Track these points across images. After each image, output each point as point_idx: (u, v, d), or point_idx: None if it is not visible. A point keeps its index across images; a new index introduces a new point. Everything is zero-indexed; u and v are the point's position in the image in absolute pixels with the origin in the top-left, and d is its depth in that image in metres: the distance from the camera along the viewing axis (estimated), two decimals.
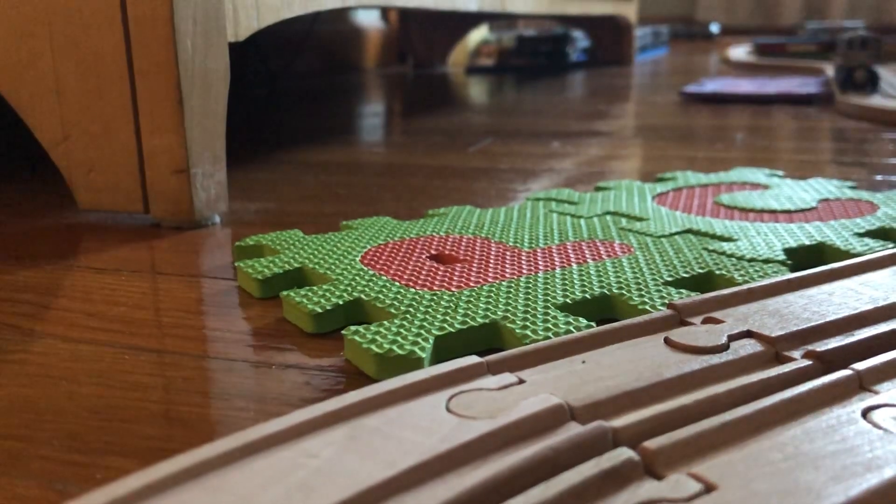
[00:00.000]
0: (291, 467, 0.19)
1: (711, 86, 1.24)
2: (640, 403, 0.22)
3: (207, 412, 0.27)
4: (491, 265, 0.38)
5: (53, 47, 0.49)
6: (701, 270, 0.36)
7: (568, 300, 0.33)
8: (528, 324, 0.31)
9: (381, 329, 0.30)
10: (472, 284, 0.35)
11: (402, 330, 0.30)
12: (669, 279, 0.36)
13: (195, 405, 0.27)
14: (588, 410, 0.21)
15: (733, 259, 0.38)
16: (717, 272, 0.36)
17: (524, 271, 0.37)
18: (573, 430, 0.20)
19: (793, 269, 0.37)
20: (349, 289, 0.35)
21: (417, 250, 0.41)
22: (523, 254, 0.40)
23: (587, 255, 0.40)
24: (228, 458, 0.19)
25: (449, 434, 0.20)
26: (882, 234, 0.43)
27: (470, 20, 1.88)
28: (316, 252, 0.41)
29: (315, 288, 0.35)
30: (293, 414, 0.21)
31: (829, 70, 1.35)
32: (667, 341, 0.26)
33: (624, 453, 0.19)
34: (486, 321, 0.31)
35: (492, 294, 0.34)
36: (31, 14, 0.49)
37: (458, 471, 0.19)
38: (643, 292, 0.34)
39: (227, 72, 0.51)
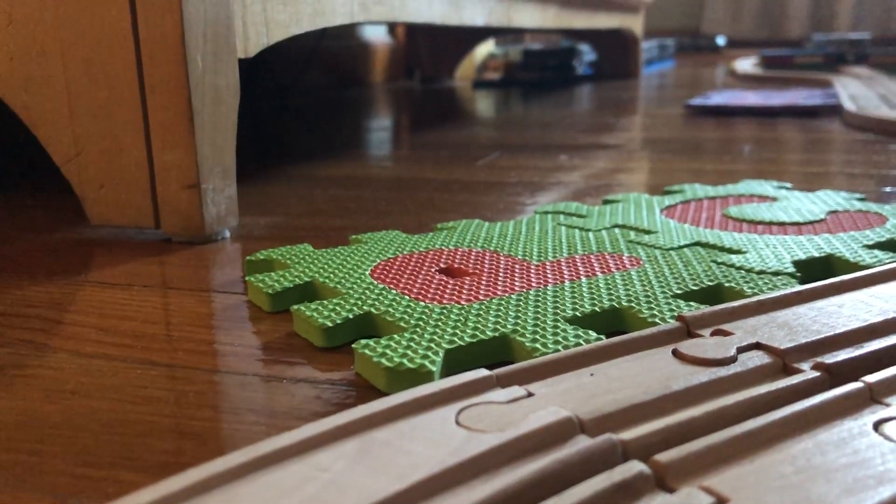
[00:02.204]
0: (302, 481, 0.19)
1: (717, 98, 1.25)
2: (648, 416, 0.22)
3: (219, 426, 0.27)
4: (500, 278, 0.38)
5: (65, 64, 0.49)
6: (710, 283, 0.36)
7: (577, 313, 0.33)
8: (537, 337, 0.31)
9: (392, 343, 0.30)
10: (481, 298, 0.36)
11: (412, 343, 0.30)
12: (679, 292, 0.36)
13: (207, 419, 0.27)
14: (597, 423, 0.21)
15: (742, 271, 0.38)
16: (727, 285, 0.36)
17: (533, 285, 0.37)
18: (582, 443, 0.20)
19: (802, 282, 0.36)
20: (359, 303, 0.35)
21: (427, 264, 0.41)
22: (532, 267, 0.40)
23: (596, 269, 0.40)
24: (239, 471, 0.19)
25: (459, 447, 0.20)
26: (891, 245, 0.43)
27: (476, 35, 1.89)
28: (326, 266, 0.41)
29: (325, 302, 0.35)
30: (303, 427, 0.21)
31: (836, 82, 1.35)
32: (675, 353, 0.26)
33: (635, 466, 0.19)
34: (496, 334, 0.31)
35: (501, 307, 0.34)
36: (43, 31, 0.49)
37: (468, 484, 0.19)
38: (653, 305, 0.34)
39: (237, 87, 0.51)
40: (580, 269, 0.40)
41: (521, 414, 0.22)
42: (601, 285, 0.37)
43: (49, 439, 0.26)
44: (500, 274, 0.39)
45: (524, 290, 0.37)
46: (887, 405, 0.22)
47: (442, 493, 0.19)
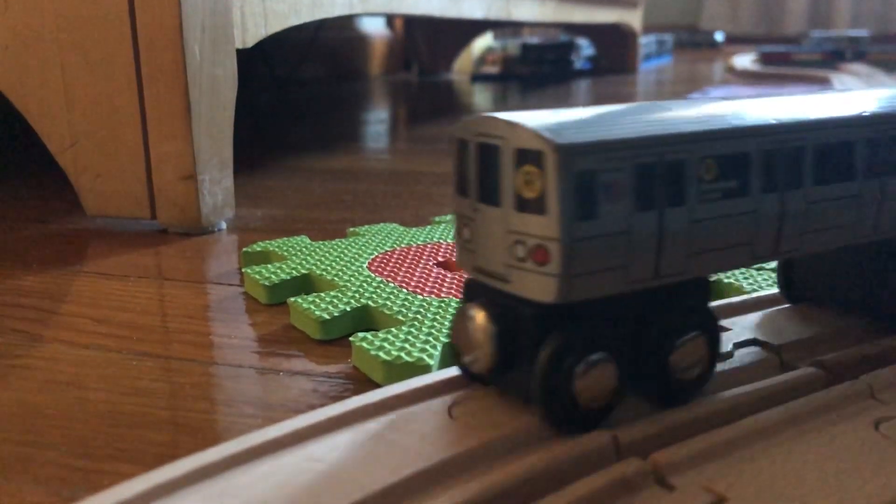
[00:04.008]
0: (296, 472, 0.19)
1: (716, 94, 1.24)
2: (642, 412, 0.22)
3: (215, 419, 0.27)
4: None
5: (62, 53, 0.49)
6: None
7: None
8: None
9: (390, 336, 0.30)
10: None
11: (410, 337, 0.30)
12: None
13: (203, 411, 0.27)
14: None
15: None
16: (726, 280, 0.36)
17: None
18: (577, 437, 0.20)
19: None
20: (357, 295, 0.35)
21: (424, 257, 0.41)
22: None
23: None
24: (233, 461, 0.19)
25: (452, 440, 0.20)
26: None
27: (475, 28, 1.88)
28: (323, 258, 0.41)
29: (322, 294, 0.35)
30: (297, 418, 0.21)
31: (835, 80, 1.35)
32: None
33: (635, 463, 0.19)
34: None
35: None
36: (39, 20, 0.49)
37: (462, 477, 0.19)
38: None
39: (235, 78, 0.51)
40: None
41: (515, 407, 0.21)
42: None
43: (43, 430, 0.26)
44: None
45: None
46: (887, 403, 0.22)
47: (435, 486, 0.19)
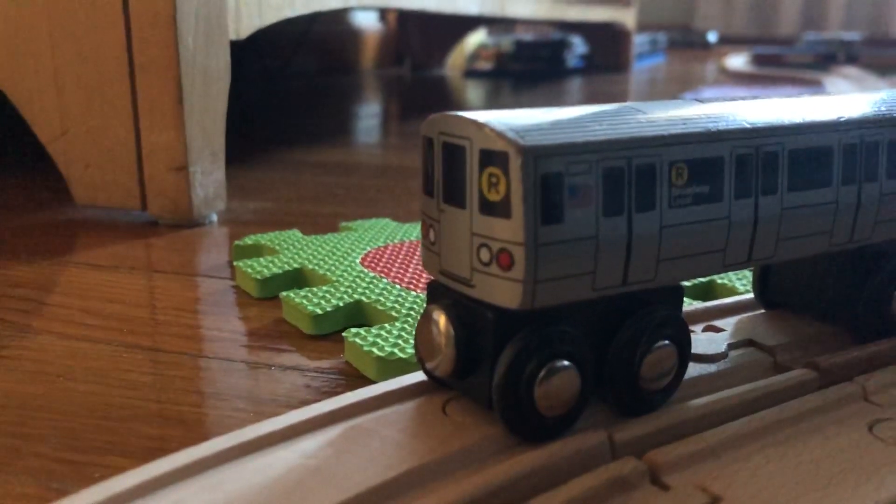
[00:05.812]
0: (288, 468, 0.19)
1: (709, 95, 1.25)
2: None
3: (205, 412, 0.27)
4: None
5: (53, 41, 0.48)
6: (703, 279, 0.36)
7: None
8: None
9: (383, 332, 0.30)
10: None
11: (403, 333, 0.30)
12: None
13: (193, 405, 0.27)
14: (586, 417, 0.21)
15: None
16: (719, 281, 0.36)
17: None
18: (572, 437, 0.20)
19: None
20: (350, 291, 0.35)
21: (418, 253, 0.41)
22: None
23: None
24: (224, 456, 0.19)
25: (446, 437, 0.20)
26: None
27: (468, 23, 1.88)
28: (315, 253, 0.40)
29: (315, 289, 0.35)
30: (289, 414, 0.21)
31: (827, 82, 1.36)
32: None
33: (630, 462, 0.19)
34: None
35: None
36: (31, 7, 0.48)
37: (456, 475, 0.19)
38: None
39: (228, 70, 0.51)
40: None
41: None
42: None
43: (32, 422, 0.26)
44: None
45: None
46: (880, 405, 0.22)
47: (428, 483, 0.18)
